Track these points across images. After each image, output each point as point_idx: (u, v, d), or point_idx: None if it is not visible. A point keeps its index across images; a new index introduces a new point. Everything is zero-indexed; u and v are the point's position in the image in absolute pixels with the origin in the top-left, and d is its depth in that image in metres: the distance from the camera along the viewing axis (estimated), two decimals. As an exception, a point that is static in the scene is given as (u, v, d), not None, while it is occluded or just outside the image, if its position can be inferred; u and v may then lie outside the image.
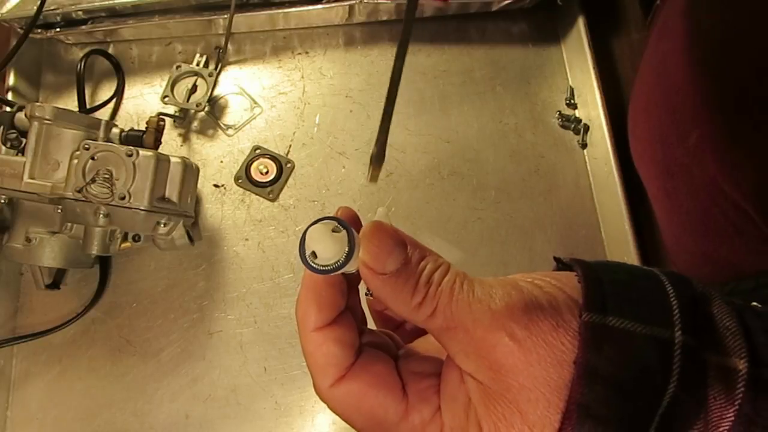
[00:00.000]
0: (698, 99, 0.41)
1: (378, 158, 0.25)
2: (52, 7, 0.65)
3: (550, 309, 0.23)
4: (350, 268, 0.25)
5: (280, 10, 0.69)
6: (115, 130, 0.58)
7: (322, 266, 0.24)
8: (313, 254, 0.24)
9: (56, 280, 0.63)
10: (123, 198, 0.52)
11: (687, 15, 0.42)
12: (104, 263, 0.65)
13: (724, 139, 0.39)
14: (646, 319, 0.22)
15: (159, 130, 0.59)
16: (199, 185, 0.63)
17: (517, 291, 0.23)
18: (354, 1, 0.69)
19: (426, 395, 0.26)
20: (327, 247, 0.24)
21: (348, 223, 0.25)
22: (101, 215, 0.53)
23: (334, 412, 0.26)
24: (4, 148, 0.57)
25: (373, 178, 0.26)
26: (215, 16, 0.69)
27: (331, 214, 0.26)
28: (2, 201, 0.57)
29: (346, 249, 0.24)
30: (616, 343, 0.22)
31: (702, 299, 0.23)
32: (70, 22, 0.68)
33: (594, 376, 0.21)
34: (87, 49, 0.71)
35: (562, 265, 0.27)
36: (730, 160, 0.39)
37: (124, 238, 0.59)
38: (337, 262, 0.24)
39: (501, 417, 0.23)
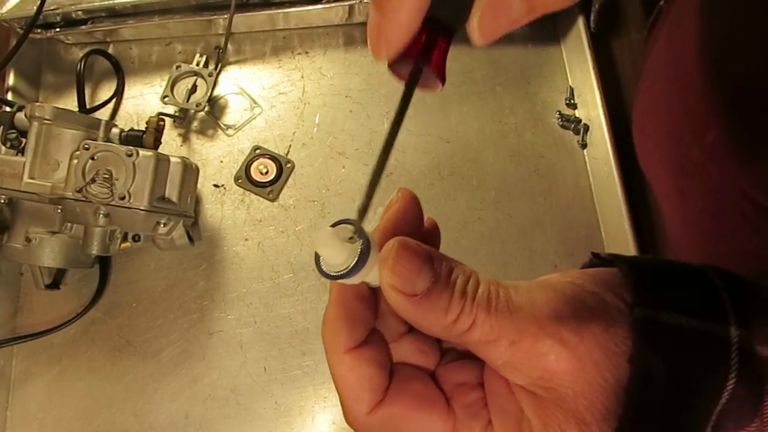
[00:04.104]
0: (715, 97, 0.40)
1: (362, 211, 0.24)
2: (52, 7, 0.65)
3: (597, 309, 0.22)
4: (369, 279, 0.24)
5: (280, 10, 0.69)
6: (115, 130, 0.58)
7: (334, 272, 0.23)
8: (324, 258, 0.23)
9: (56, 280, 0.63)
10: (123, 198, 0.52)
11: (702, 14, 0.42)
12: (104, 263, 0.65)
13: (744, 137, 0.38)
14: (699, 314, 0.21)
15: (159, 130, 0.59)
16: (199, 185, 0.63)
17: (559, 293, 0.22)
18: (354, 1, 0.69)
19: (475, 409, 0.24)
20: (335, 253, 0.23)
21: (402, 209, 0.24)
22: (101, 215, 0.53)
23: None
24: (4, 148, 0.57)
25: (357, 229, 0.24)
26: (215, 16, 0.69)
27: (349, 218, 0.24)
28: (2, 201, 0.57)
29: (356, 255, 0.23)
30: (670, 339, 0.21)
31: (752, 293, 0.22)
32: (70, 22, 0.68)
33: (650, 375, 0.21)
34: (87, 49, 0.71)
35: (598, 260, 0.26)
36: (751, 158, 0.38)
37: (124, 238, 0.59)
38: (345, 268, 0.23)
39: (557, 429, 0.21)
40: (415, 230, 0.26)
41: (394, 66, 0.23)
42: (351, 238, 0.23)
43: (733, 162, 0.39)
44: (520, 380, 0.22)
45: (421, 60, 0.22)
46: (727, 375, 0.21)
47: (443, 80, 0.23)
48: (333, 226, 0.24)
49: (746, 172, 0.38)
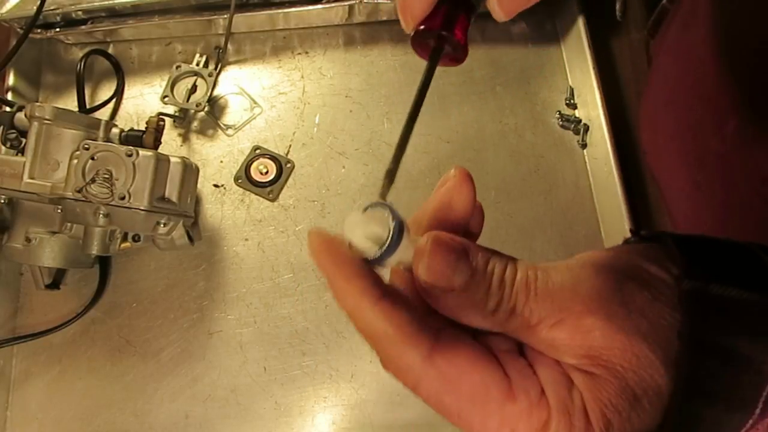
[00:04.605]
0: (734, 86, 0.39)
1: (390, 175, 0.24)
2: (52, 7, 0.65)
3: (643, 282, 0.22)
4: (406, 260, 0.23)
5: (280, 10, 0.69)
6: (114, 130, 0.58)
7: (367, 257, 0.22)
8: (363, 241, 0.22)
9: (56, 280, 0.63)
10: (123, 198, 0.52)
11: (715, 5, 0.42)
12: (104, 263, 0.65)
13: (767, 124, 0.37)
14: (748, 285, 0.21)
15: (159, 130, 0.59)
16: (199, 185, 0.63)
17: (601, 269, 0.22)
18: (354, 1, 0.69)
19: (528, 374, 0.23)
20: (365, 238, 0.22)
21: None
22: (101, 215, 0.53)
23: (426, 395, 0.22)
24: (4, 148, 0.57)
25: (383, 195, 0.24)
26: (215, 16, 0.69)
27: (383, 201, 0.23)
28: (2, 201, 0.57)
29: (388, 239, 0.22)
30: (720, 311, 0.20)
31: None
32: (70, 22, 0.68)
33: (701, 347, 0.20)
34: (87, 49, 0.71)
35: (637, 238, 0.25)
36: None
37: (124, 238, 0.59)
38: (377, 253, 0.22)
39: (608, 403, 0.21)
40: (466, 210, 0.26)
41: (416, 43, 0.25)
42: (382, 221, 0.23)
43: (756, 150, 0.38)
44: (568, 359, 0.22)
45: (444, 31, 0.24)
46: None
47: (465, 51, 0.24)
48: (365, 210, 0.23)
49: None
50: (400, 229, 0.22)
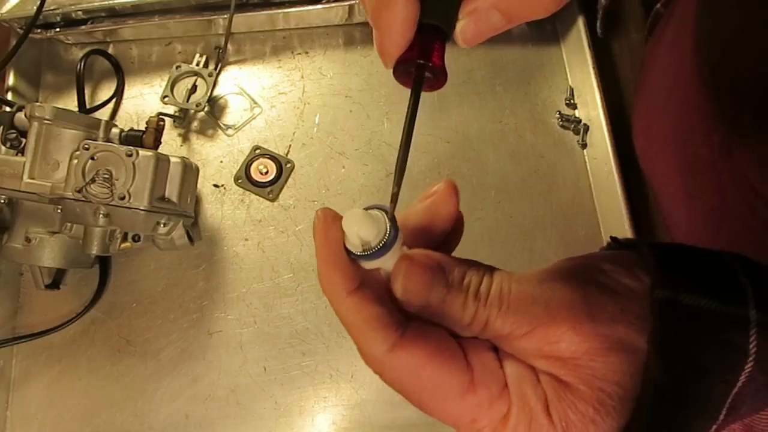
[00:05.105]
0: (721, 96, 0.40)
1: (394, 198, 0.25)
2: (52, 7, 0.65)
3: (614, 291, 0.22)
4: (387, 266, 0.24)
5: (280, 10, 0.69)
6: (114, 130, 0.58)
7: (354, 252, 0.24)
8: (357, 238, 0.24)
9: (56, 280, 0.63)
10: (123, 198, 0.52)
11: (699, 16, 0.42)
12: (104, 263, 0.65)
13: (754, 133, 0.38)
14: (719, 296, 0.21)
15: (159, 130, 0.59)
16: (198, 185, 0.63)
17: (573, 279, 0.23)
18: (354, 1, 0.69)
19: (492, 368, 0.24)
20: (357, 235, 0.23)
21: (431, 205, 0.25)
22: (101, 215, 0.53)
23: (389, 382, 0.24)
24: (3, 148, 0.57)
25: (390, 218, 0.25)
26: (215, 16, 0.69)
27: (381, 204, 0.25)
28: (2, 201, 0.57)
29: (372, 250, 0.23)
30: (690, 321, 0.21)
31: None
32: (70, 22, 0.68)
33: (669, 356, 0.21)
34: (87, 49, 0.71)
35: (616, 244, 0.26)
36: (761, 155, 0.38)
37: (124, 238, 0.59)
38: (367, 250, 0.23)
39: (572, 405, 0.22)
40: (449, 222, 0.27)
41: (398, 73, 0.26)
42: (379, 226, 0.24)
43: (743, 160, 0.38)
44: (539, 366, 0.23)
45: (422, 60, 0.25)
46: (746, 358, 0.21)
47: (445, 74, 0.26)
48: (368, 208, 0.25)
49: (755, 169, 0.38)
50: (391, 240, 0.23)
